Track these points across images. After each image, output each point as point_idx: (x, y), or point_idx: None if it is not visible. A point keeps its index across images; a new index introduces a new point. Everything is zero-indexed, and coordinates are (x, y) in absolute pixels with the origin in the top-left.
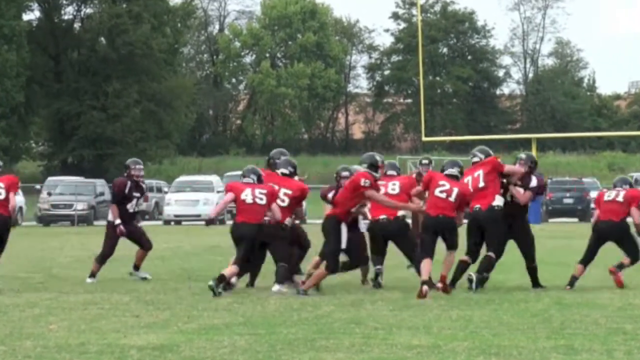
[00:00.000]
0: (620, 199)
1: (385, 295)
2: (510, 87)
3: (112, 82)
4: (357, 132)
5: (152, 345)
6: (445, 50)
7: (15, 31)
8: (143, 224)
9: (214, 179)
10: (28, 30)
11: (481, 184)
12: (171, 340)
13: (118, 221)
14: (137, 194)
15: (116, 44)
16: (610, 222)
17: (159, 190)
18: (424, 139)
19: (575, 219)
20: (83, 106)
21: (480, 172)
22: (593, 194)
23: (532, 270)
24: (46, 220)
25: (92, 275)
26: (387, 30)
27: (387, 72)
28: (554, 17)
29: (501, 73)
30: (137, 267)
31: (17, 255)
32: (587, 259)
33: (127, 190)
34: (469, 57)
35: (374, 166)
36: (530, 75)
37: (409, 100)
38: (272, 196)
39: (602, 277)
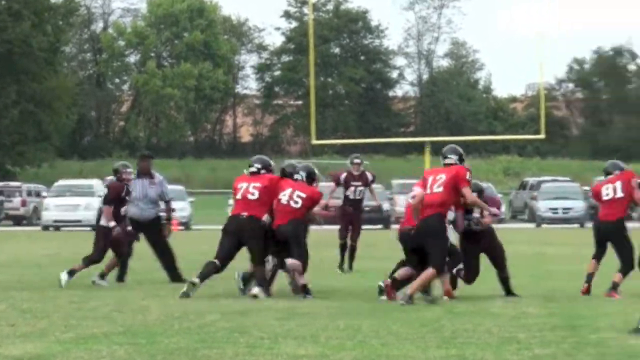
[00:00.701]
0: (620, 194)
1: (271, 304)
2: (404, 89)
3: None
4: (245, 135)
5: (29, 356)
6: (337, 50)
7: None
8: (20, 229)
9: (95, 182)
10: None
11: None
12: (48, 350)
13: (113, 223)
14: (128, 198)
15: None
16: (608, 223)
17: (38, 194)
18: (314, 142)
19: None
20: None
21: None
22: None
23: (504, 280)
24: None
25: (71, 272)
26: (277, 29)
27: (277, 73)
28: (450, 16)
29: (395, 74)
30: (103, 276)
31: None
32: (599, 254)
33: (123, 194)
34: (362, 58)
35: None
36: (425, 76)
37: (300, 102)
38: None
39: (496, 285)
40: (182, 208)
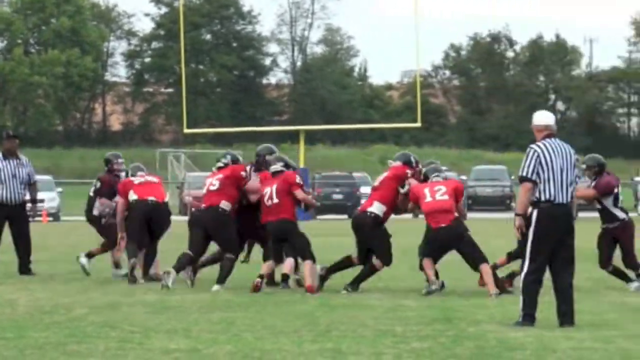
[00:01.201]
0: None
1: (142, 297)
2: (278, 76)
3: None
4: (116, 124)
5: None
6: (209, 37)
7: None
8: None
9: None
10: None
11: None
12: None
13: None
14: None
15: None
16: None
17: None
18: (185, 130)
19: (345, 216)
20: None
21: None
22: (364, 190)
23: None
24: None
25: (90, 255)
26: (147, 15)
27: (147, 60)
28: (324, 2)
29: (268, 61)
30: (90, 255)
31: None
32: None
33: (113, 185)
34: (234, 45)
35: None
36: (299, 63)
37: (171, 90)
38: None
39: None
40: (51, 198)
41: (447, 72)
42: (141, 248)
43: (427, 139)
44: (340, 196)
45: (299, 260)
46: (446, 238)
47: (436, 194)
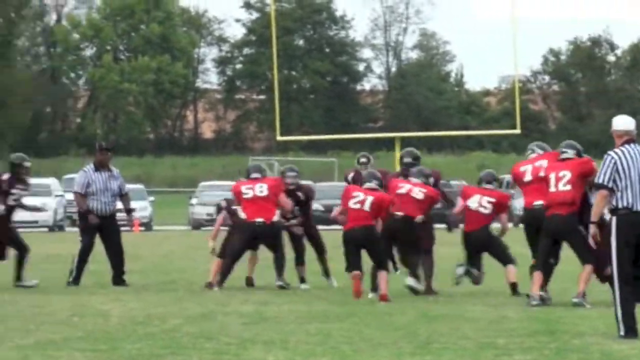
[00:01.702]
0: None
1: (238, 307)
2: (372, 82)
3: None
4: (207, 131)
5: None
6: (301, 42)
7: None
8: None
9: (52, 182)
10: None
11: None
12: (6, 357)
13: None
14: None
15: None
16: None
17: None
18: (278, 138)
19: (443, 225)
20: None
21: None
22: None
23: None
24: None
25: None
26: (238, 21)
27: (238, 66)
28: (418, 6)
29: (362, 67)
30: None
31: None
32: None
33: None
34: (327, 50)
35: None
36: (393, 69)
37: (263, 97)
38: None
39: (472, 287)
40: (142, 208)
41: (547, 78)
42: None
43: (527, 145)
44: (438, 205)
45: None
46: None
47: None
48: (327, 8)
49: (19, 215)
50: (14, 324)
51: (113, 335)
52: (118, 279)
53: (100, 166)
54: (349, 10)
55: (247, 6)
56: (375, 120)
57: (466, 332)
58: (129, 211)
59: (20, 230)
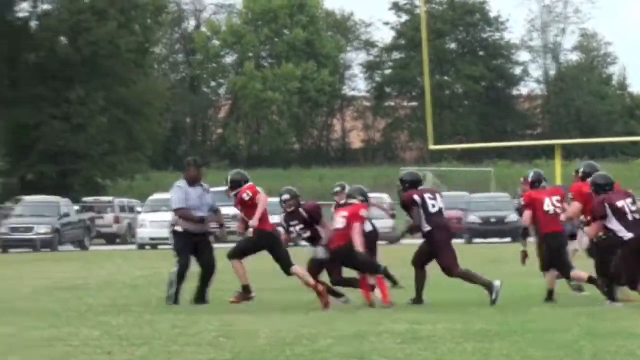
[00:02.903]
0: None
1: (391, 326)
2: (530, 87)
3: (75, 88)
4: (356, 141)
5: None
6: (453, 45)
7: None
8: (113, 248)
9: None
10: None
11: None
12: None
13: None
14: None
15: (79, 44)
16: None
17: (132, 210)
18: (431, 147)
19: None
20: (43, 116)
21: None
22: None
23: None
24: (4, 245)
25: None
26: (386, 24)
27: (388, 72)
28: (578, 5)
29: (518, 71)
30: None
31: None
32: None
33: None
34: (481, 53)
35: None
36: (552, 72)
37: (414, 104)
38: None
39: None
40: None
41: None
42: None
43: None
44: None
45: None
46: None
47: None
48: (481, 9)
49: (159, 232)
50: (157, 346)
51: (261, 356)
52: (201, 297)
53: (193, 182)
54: (503, 10)
55: (396, 8)
56: (534, 127)
57: (634, 349)
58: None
59: (162, 247)
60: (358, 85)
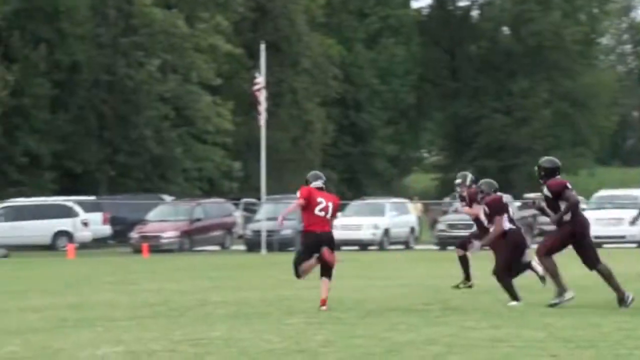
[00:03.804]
0: None
1: None
2: None
3: (518, 80)
4: None
5: None
6: None
7: (404, 22)
8: None
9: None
10: (418, 21)
11: None
12: None
13: None
14: None
15: (521, 35)
16: None
17: None
18: None
19: None
20: (484, 108)
21: None
22: None
23: None
24: (443, 242)
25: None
26: None
27: None
28: None
29: None
30: None
31: (410, 282)
32: None
33: None
34: None
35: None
36: None
37: None
38: None
39: None
40: None
41: None
42: None
43: None
44: None
45: None
46: None
47: None
48: None
49: (605, 230)
50: (603, 348)
51: None
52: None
53: None
54: None
55: None
56: None
57: None
58: None
59: (606, 246)
60: None
